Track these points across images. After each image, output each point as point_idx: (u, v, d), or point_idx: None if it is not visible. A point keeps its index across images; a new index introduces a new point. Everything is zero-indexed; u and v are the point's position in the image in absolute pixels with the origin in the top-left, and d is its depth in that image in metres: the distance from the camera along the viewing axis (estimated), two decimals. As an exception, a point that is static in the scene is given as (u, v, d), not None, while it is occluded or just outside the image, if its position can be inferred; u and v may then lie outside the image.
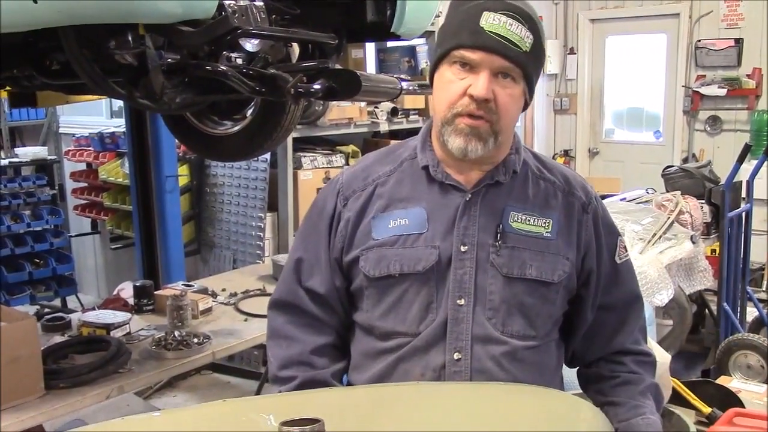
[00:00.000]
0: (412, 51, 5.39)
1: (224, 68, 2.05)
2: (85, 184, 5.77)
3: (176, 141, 4.42)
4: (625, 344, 1.62)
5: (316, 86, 2.26)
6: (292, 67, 2.39)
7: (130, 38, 1.74)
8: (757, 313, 4.69)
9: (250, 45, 2.37)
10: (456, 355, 1.47)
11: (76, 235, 6.11)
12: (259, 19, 1.82)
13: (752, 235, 4.73)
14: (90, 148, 5.63)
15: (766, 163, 4.55)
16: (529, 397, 1.46)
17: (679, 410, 2.79)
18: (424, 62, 5.42)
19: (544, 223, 1.52)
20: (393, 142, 5.28)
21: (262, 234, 4.70)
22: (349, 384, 1.63)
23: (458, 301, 1.48)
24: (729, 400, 3.42)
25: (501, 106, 1.43)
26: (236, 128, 2.95)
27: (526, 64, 1.43)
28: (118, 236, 5.55)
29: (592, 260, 1.57)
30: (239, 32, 1.85)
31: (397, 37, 2.60)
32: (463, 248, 1.49)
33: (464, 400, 1.43)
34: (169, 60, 1.99)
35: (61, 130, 6.37)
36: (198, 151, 3.70)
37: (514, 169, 1.54)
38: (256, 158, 4.61)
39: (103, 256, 6.22)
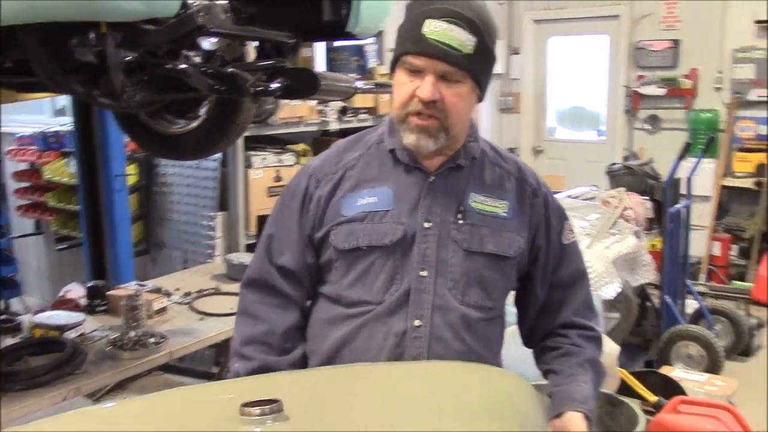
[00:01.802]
0: (360, 50, 5.42)
1: (184, 66, 2.05)
2: (28, 184, 5.63)
3: (125, 139, 4.37)
4: (572, 317, 1.74)
5: (275, 85, 2.28)
6: (250, 65, 2.40)
7: (92, 37, 1.74)
8: (696, 305, 4.87)
9: (207, 43, 2.38)
10: (416, 322, 1.58)
11: (19, 236, 5.96)
12: (222, 18, 1.83)
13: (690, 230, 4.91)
14: (33, 148, 5.50)
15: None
16: (468, 374, 1.52)
17: (627, 400, 2.90)
18: (372, 61, 5.47)
19: (501, 204, 1.65)
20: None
21: (212, 233, 4.67)
22: (308, 352, 1.69)
23: (421, 273, 1.59)
24: (672, 388, 3.57)
25: (448, 105, 1.54)
26: (190, 127, 2.94)
27: (468, 66, 1.52)
28: (64, 237, 5.44)
29: (541, 240, 1.70)
30: (202, 31, 1.86)
31: (353, 37, 2.63)
32: (426, 225, 1.60)
33: (408, 378, 1.47)
34: (129, 58, 1.97)
35: (1, 129, 6.20)
36: (152, 151, 3.67)
37: (474, 155, 1.67)
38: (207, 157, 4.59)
39: (47, 258, 6.08)
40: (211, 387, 1.59)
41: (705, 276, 6.28)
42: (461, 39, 1.50)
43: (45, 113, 6.00)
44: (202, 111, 2.88)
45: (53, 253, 5.84)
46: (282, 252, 1.68)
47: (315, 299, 1.72)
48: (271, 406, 1.08)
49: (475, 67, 1.54)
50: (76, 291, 4.22)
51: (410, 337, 1.58)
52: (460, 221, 1.61)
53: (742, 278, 6.28)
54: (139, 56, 2.02)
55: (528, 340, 1.81)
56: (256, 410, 1.08)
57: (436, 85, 1.52)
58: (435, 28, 1.49)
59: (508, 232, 1.64)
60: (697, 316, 4.87)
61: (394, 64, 1.59)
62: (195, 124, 2.92)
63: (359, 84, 2.67)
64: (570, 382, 1.66)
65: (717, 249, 6.34)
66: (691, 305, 4.94)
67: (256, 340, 1.66)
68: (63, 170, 5.15)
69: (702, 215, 6.22)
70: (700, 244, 6.17)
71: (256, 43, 2.69)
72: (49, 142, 5.38)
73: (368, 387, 1.35)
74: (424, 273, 1.59)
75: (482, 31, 1.53)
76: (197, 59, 2.29)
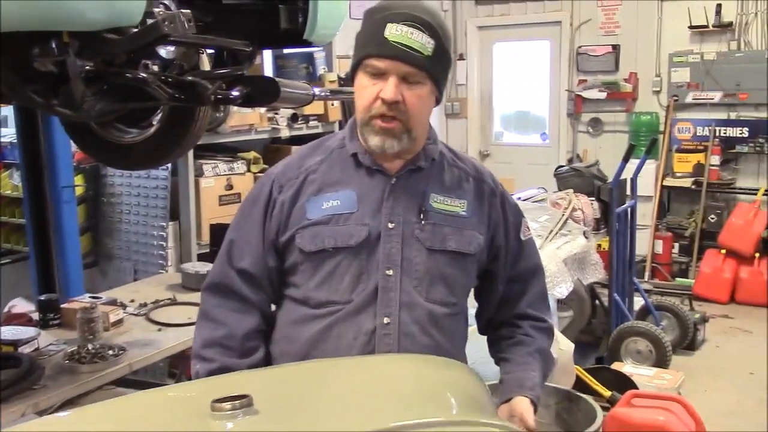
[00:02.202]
0: (310, 58, 5.43)
1: (145, 75, 2.04)
2: (-33, 198, 5.47)
3: (71, 149, 4.30)
4: (527, 309, 1.83)
5: (235, 93, 2.28)
6: (209, 74, 2.40)
7: (54, 46, 1.72)
8: (643, 302, 5.01)
9: (165, 52, 2.37)
10: (386, 320, 1.64)
11: (-42, 252, 5.78)
12: (186, 27, 1.83)
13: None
14: (-28, 160, 5.35)
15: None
16: (425, 366, 1.54)
17: (584, 396, 2.97)
18: (322, 68, 5.47)
19: (460, 203, 1.72)
20: (294, 148, 5.33)
21: (164, 243, 4.61)
22: (273, 356, 1.74)
23: (387, 272, 1.65)
24: (624, 383, 3.67)
25: (410, 106, 1.59)
26: (144, 136, 2.91)
27: (429, 67, 1.59)
28: (7, 251, 5.29)
29: (500, 237, 1.78)
30: (166, 39, 1.86)
31: (309, 44, 2.65)
32: (390, 225, 1.66)
33: (367, 371, 1.50)
34: (88, 67, 1.95)
35: (-63, 142, 6.01)
36: (104, 161, 3.61)
37: (433, 157, 1.73)
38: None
39: (-13, 273, 5.91)
40: (177, 387, 1.58)
41: (649, 274, 6.46)
42: (422, 41, 1.56)
43: (-18, 125, 5.83)
44: (156, 120, 2.86)
45: (-5, 267, 5.68)
46: (243, 256, 1.71)
47: (280, 303, 1.75)
48: (242, 401, 1.10)
49: (435, 68, 1.61)
50: (21, 306, 4.12)
51: (380, 335, 1.63)
52: (423, 221, 1.67)
53: (684, 275, 6.51)
54: (98, 65, 2.00)
55: (484, 329, 1.91)
56: (227, 405, 1.09)
57: (398, 87, 1.57)
58: (397, 32, 1.55)
59: (468, 230, 1.71)
60: (644, 313, 5.01)
61: (355, 68, 1.64)
62: (149, 133, 2.89)
63: (316, 90, 2.68)
64: (520, 370, 1.75)
65: (659, 247, 6.54)
66: (638, 302, 5.09)
67: (216, 343, 1.69)
68: (6, 182, 5.03)
69: (644, 215, 6.40)
70: (643, 243, 6.34)
71: (211, 51, 2.70)
72: (-12, 154, 5.24)
73: (331, 380, 1.38)
74: (390, 272, 1.65)
75: (440, 35, 1.60)
76: (155, 68, 2.28)
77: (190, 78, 2.18)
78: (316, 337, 1.66)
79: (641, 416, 3.09)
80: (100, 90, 2.03)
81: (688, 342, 4.98)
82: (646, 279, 6.23)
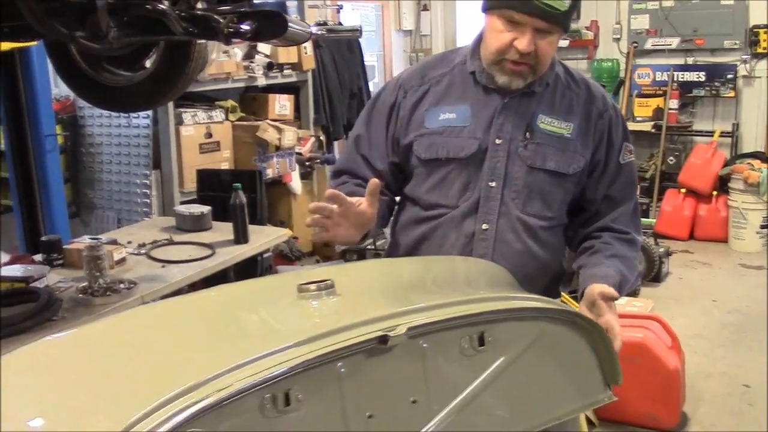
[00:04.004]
0: (282, 6, 5.45)
1: (163, 7, 2.11)
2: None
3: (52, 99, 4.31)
4: (611, 224, 1.86)
5: (245, 26, 2.35)
6: (215, 9, 2.45)
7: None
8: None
9: (172, -13, 2.42)
10: (484, 226, 1.81)
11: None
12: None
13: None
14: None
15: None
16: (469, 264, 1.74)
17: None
18: (295, 17, 5.51)
19: (567, 126, 1.83)
20: (270, 95, 5.39)
21: (148, 191, 4.67)
22: (394, 243, 1.94)
23: (490, 183, 1.80)
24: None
25: (541, 53, 1.72)
26: (139, 77, 2.96)
27: (562, 21, 1.71)
28: (-16, 206, 5.27)
29: (601, 156, 1.86)
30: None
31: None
32: (497, 141, 1.81)
33: (432, 268, 1.69)
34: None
35: None
36: (98, 104, 3.62)
37: (548, 81, 1.84)
38: (137, 115, 4.58)
39: (-37, 229, 5.88)
40: (267, 279, 1.68)
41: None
42: None
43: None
44: (148, 62, 2.91)
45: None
46: (369, 147, 1.91)
47: (402, 200, 1.95)
48: (325, 283, 1.24)
49: (567, 20, 1.72)
50: (4, 259, 4.16)
51: (478, 239, 1.80)
52: (528, 140, 1.80)
53: (645, 215, 6.76)
54: (117, -2, 2.06)
55: (570, 241, 1.95)
56: (312, 287, 1.23)
57: (533, 39, 1.69)
58: None
59: (570, 152, 1.82)
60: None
61: (490, 8, 1.73)
62: (144, 74, 2.94)
63: (313, 29, 2.76)
64: (591, 268, 1.76)
65: (622, 189, 6.76)
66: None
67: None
68: (-18, 136, 4.99)
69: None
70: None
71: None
72: (-39, 108, 5.18)
73: (401, 273, 1.53)
74: (493, 183, 1.80)
75: None
76: (166, 2, 2.33)
77: (203, 12, 2.24)
78: (424, 234, 1.85)
79: (621, 334, 3.28)
80: (121, 22, 2.09)
81: (654, 274, 5.25)
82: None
